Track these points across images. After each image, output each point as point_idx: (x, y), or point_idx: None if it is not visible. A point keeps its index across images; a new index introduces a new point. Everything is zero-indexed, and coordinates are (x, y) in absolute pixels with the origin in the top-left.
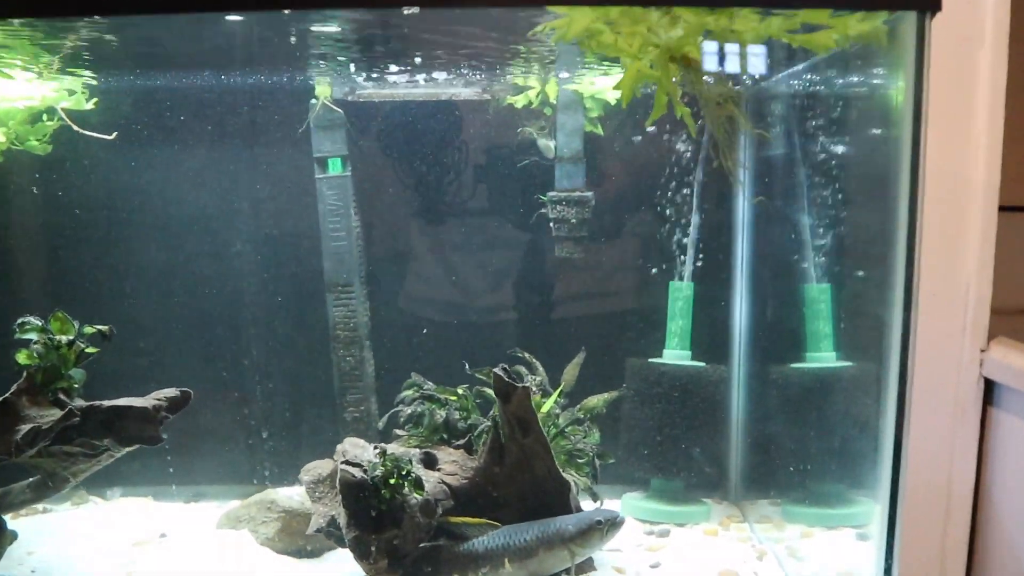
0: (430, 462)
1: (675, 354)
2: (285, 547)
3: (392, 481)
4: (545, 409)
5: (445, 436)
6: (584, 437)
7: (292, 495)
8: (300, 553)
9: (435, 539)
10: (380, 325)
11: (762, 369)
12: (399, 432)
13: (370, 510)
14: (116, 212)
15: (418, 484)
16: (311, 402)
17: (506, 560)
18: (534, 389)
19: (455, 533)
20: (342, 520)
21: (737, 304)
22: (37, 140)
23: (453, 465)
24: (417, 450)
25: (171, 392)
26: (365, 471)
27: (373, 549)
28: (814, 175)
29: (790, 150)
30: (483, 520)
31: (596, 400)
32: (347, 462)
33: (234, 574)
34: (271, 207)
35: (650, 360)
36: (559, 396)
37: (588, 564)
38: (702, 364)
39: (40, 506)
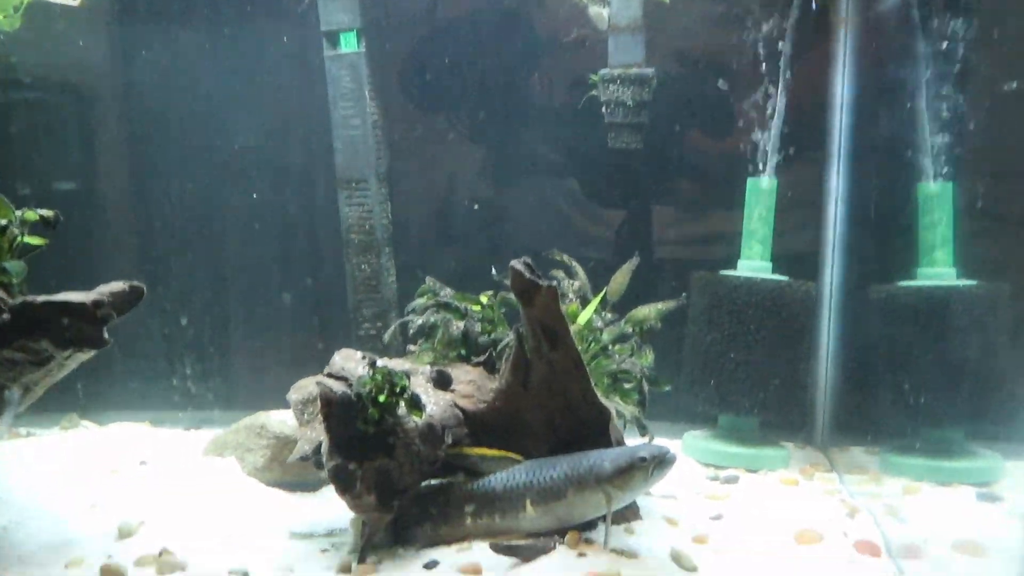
0: (443, 382)
1: (752, 265)
2: (275, 478)
3: (382, 399)
4: (583, 320)
5: (463, 352)
6: (631, 355)
7: (285, 419)
8: (293, 486)
9: (444, 474)
10: (402, 228)
11: (860, 287)
12: (413, 349)
13: (355, 433)
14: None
15: (415, 404)
16: (320, 317)
17: (528, 502)
18: (571, 296)
19: (468, 468)
20: (324, 445)
21: (831, 206)
22: (2, 15)
23: (470, 386)
24: (429, 367)
25: (117, 286)
26: (350, 385)
27: (357, 480)
28: (937, 39)
29: (905, 4)
30: (502, 453)
31: (647, 310)
32: (330, 374)
33: (211, 509)
34: (270, 91)
35: (722, 273)
36: (601, 305)
37: (632, 511)
38: (785, 279)
39: (24, 430)
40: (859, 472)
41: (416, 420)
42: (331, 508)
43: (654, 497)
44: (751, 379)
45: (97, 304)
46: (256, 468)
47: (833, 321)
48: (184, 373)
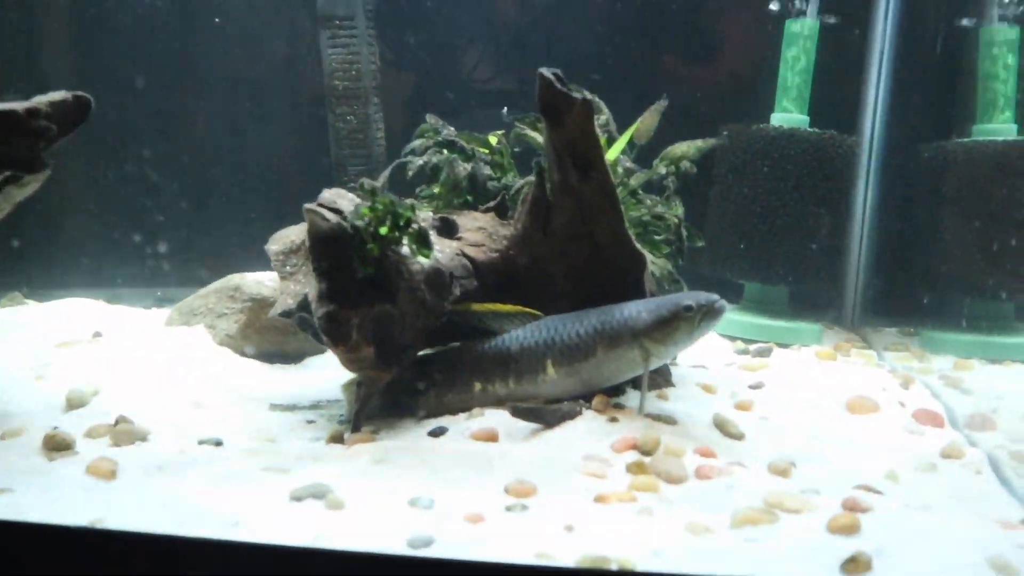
0: (447, 229)
1: (788, 118)
2: (251, 347)
3: (384, 231)
4: (611, 156)
5: (470, 199)
6: (666, 198)
7: (264, 280)
8: (272, 356)
9: (449, 336)
10: (393, 74)
11: (905, 146)
12: (408, 201)
13: (351, 274)
14: None
15: (422, 240)
16: (297, 176)
17: (548, 362)
18: (600, 127)
19: (477, 327)
20: (312, 291)
21: (876, 51)
22: None
23: (479, 233)
24: (431, 214)
25: (59, 95)
26: (344, 217)
27: (353, 330)
28: None
29: None
30: (518, 307)
31: (685, 147)
32: (321, 204)
33: (177, 380)
34: None
35: (754, 124)
36: (628, 145)
37: (663, 377)
38: (823, 131)
39: None
40: (899, 349)
41: (423, 262)
42: (316, 379)
43: (682, 367)
44: (786, 243)
45: (32, 113)
46: (229, 336)
47: (872, 184)
48: (144, 244)
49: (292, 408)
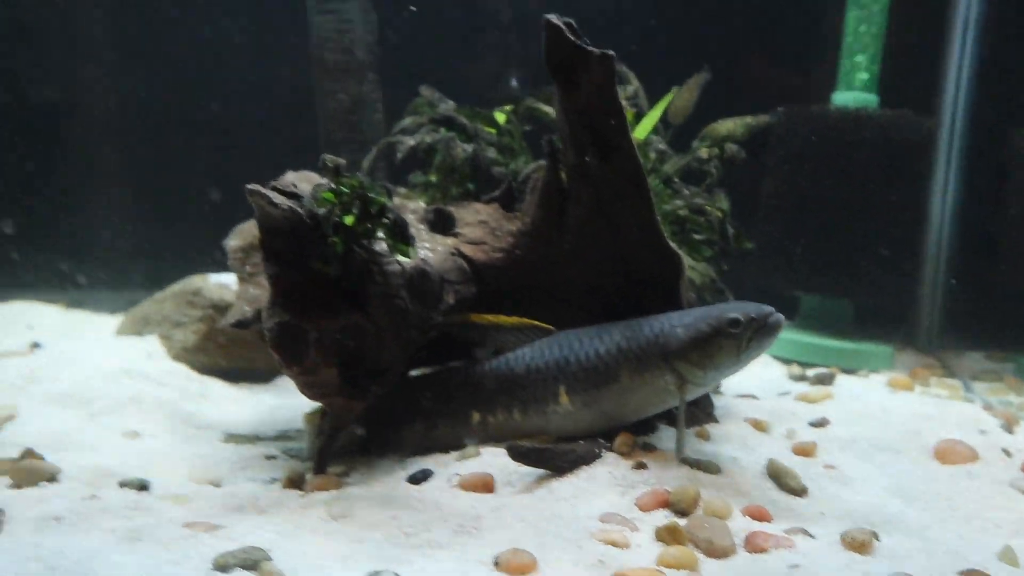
0: (443, 223)
1: (853, 97)
2: (212, 362)
3: (349, 222)
4: (640, 135)
5: (471, 187)
6: (706, 187)
7: (230, 283)
8: (238, 375)
9: (441, 354)
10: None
11: (996, 126)
12: (401, 190)
13: (309, 276)
14: None
15: (399, 233)
16: (282, 162)
17: (561, 390)
18: (626, 99)
19: (476, 342)
20: (266, 297)
21: (960, 15)
22: None
23: (480, 229)
24: (422, 205)
25: None
26: (301, 201)
27: (310, 347)
28: None
29: None
30: (526, 320)
31: (731, 125)
32: (275, 189)
33: (114, 402)
34: None
35: (813, 105)
36: (661, 124)
37: (702, 410)
38: (896, 112)
39: None
40: (990, 379)
41: (403, 262)
42: (288, 403)
43: (726, 395)
44: (851, 248)
45: None
46: (186, 348)
47: (954, 176)
48: (108, 242)
49: (253, 439)
